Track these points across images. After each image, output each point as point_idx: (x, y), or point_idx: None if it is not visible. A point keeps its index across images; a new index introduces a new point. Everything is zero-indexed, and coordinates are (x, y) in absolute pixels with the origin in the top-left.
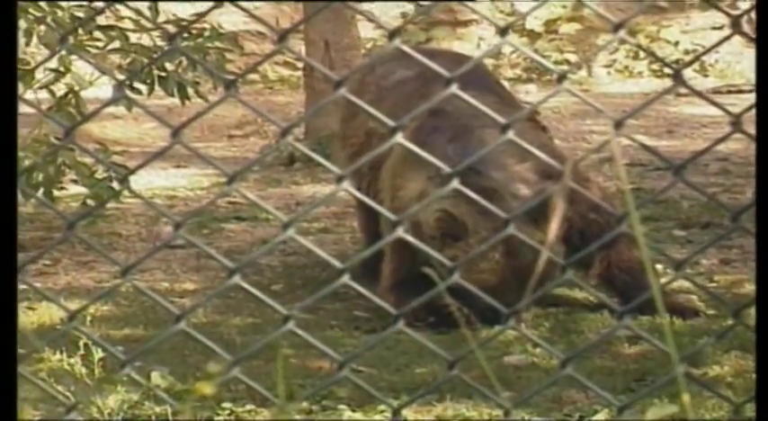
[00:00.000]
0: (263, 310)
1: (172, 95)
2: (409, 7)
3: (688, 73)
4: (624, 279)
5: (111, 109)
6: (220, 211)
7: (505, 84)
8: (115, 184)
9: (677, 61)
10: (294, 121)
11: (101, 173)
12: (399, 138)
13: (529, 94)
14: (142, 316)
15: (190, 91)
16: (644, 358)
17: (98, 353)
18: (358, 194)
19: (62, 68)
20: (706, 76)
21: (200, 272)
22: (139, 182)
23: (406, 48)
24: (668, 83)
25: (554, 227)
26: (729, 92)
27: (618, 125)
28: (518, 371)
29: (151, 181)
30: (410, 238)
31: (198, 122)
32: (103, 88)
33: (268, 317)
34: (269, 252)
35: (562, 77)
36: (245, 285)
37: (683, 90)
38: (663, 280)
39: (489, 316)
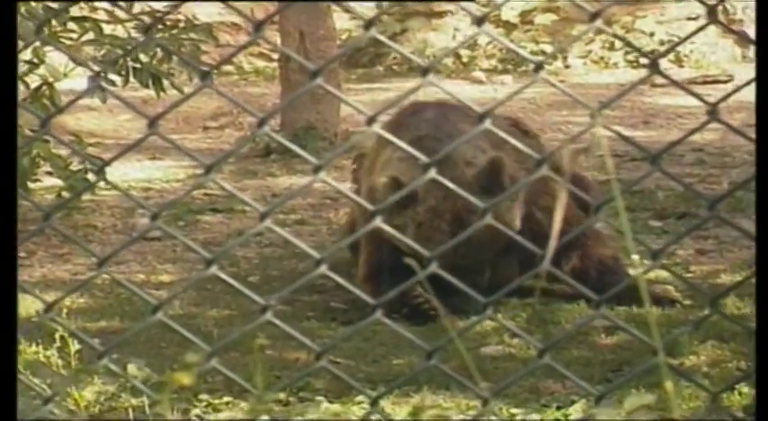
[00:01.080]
0: (239, 302)
1: (147, 87)
2: None
3: (663, 64)
4: (597, 272)
5: (85, 101)
6: (196, 203)
7: (481, 74)
8: (90, 176)
9: (652, 52)
10: (270, 112)
11: (76, 165)
12: (375, 127)
13: (504, 84)
14: (118, 307)
15: (165, 82)
16: (621, 348)
17: (74, 346)
18: (335, 183)
19: (36, 60)
20: (681, 66)
21: (176, 263)
22: (115, 174)
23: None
24: (644, 73)
25: (558, 218)
26: (705, 82)
27: (595, 115)
28: (495, 361)
29: (126, 173)
30: (387, 227)
31: (173, 114)
32: (78, 80)
33: (245, 308)
34: (245, 243)
35: (539, 67)
36: (223, 276)
37: (658, 81)
38: (640, 270)
39: (462, 306)
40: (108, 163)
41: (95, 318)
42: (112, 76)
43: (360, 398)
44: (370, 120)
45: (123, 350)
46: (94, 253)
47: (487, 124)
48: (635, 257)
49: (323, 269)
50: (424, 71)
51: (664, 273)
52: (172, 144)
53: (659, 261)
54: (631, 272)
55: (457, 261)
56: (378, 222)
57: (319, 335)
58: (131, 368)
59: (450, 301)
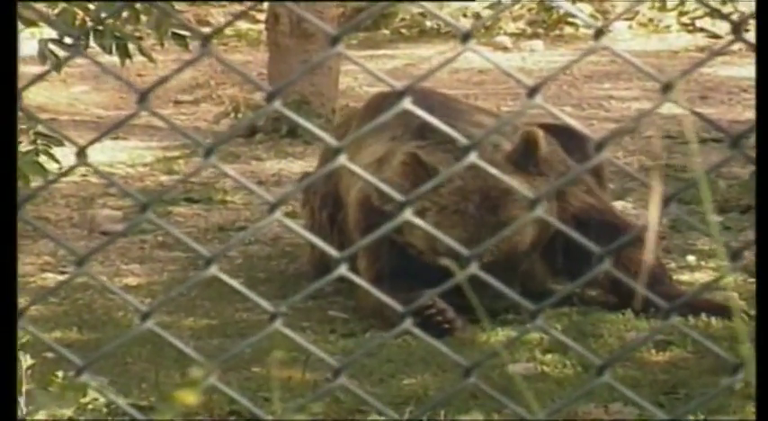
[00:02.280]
0: (219, 310)
1: (109, 53)
2: None
3: (723, 29)
4: (637, 278)
5: (35, 69)
6: (154, 193)
7: (506, 39)
8: (42, 159)
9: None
10: (282, 84)
11: (25, 145)
12: (407, 103)
13: (534, 52)
14: (75, 316)
15: (131, 47)
16: (675, 367)
17: (27, 361)
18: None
19: None
20: (747, 30)
21: (145, 263)
22: (70, 157)
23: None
24: (705, 40)
25: (655, 210)
26: None
27: (667, 88)
28: (526, 381)
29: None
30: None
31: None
32: (27, 44)
33: (227, 317)
34: (252, 238)
35: (600, 33)
36: (224, 277)
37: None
38: (697, 274)
39: (485, 314)
40: (90, 143)
41: (49, 328)
42: (68, 40)
43: None
44: (401, 94)
45: (75, 368)
46: (74, 250)
47: (539, 100)
48: (690, 259)
49: (342, 270)
50: (465, 36)
51: (724, 279)
52: (166, 122)
53: (739, 262)
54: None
55: (487, 259)
56: (408, 215)
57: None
58: (90, 389)
59: (467, 308)
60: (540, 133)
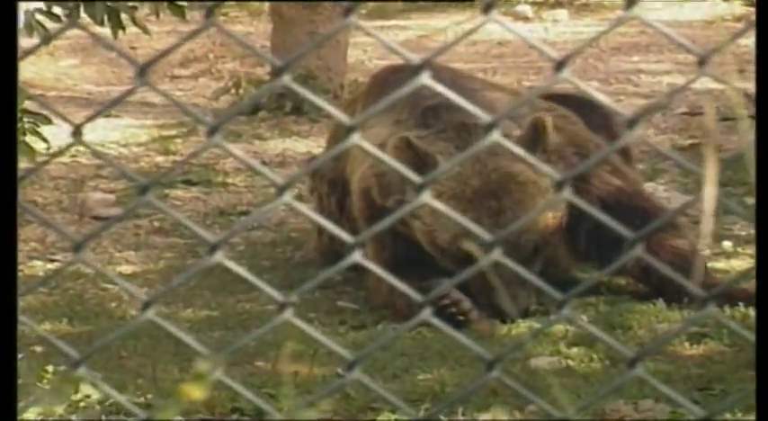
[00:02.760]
0: (220, 301)
1: (101, 24)
2: None
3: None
4: (670, 266)
5: (21, 41)
6: (155, 174)
7: (527, 9)
8: (29, 138)
9: None
10: (293, 57)
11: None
12: (425, 77)
13: (558, 22)
14: (66, 307)
15: (123, 18)
16: (710, 361)
17: None
18: (370, 147)
19: None
20: None
21: (140, 250)
22: (60, 136)
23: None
24: (743, 8)
25: (710, 192)
26: None
27: (703, 61)
28: (550, 376)
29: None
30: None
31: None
32: None
33: (227, 309)
34: (255, 223)
35: (631, 1)
36: (230, 264)
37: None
38: (733, 261)
39: (500, 310)
40: (86, 122)
41: (38, 320)
42: (57, 10)
43: None
44: (419, 69)
45: (70, 361)
46: (69, 235)
47: (567, 74)
48: (726, 245)
49: (357, 257)
50: (487, 6)
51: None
52: (170, 99)
53: None
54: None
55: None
56: (427, 198)
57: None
58: (84, 384)
59: (483, 300)
60: (550, 120)
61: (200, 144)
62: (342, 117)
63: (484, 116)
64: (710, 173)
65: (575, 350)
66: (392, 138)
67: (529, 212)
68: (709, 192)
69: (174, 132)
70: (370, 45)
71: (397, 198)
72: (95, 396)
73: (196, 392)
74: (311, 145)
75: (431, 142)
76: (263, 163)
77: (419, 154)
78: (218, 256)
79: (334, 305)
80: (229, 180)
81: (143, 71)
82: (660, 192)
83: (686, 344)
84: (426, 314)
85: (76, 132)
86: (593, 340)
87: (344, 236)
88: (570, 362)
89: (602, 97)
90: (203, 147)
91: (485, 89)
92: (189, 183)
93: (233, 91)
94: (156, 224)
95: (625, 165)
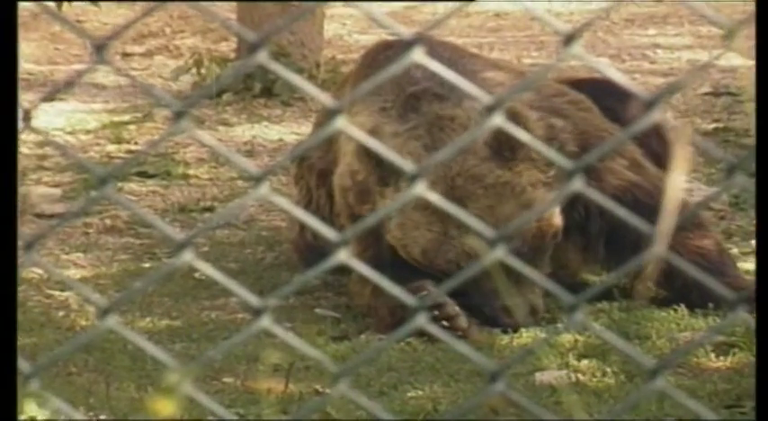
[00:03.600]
0: (182, 309)
1: None
2: None
3: None
4: (695, 267)
5: None
6: (116, 164)
7: None
8: None
9: None
10: (269, 31)
11: None
12: (418, 53)
13: None
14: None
15: None
16: (739, 375)
17: None
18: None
19: None
20: None
21: (90, 252)
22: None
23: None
24: None
25: (678, 178)
26: None
27: (728, 35)
28: (556, 393)
29: None
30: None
31: (77, 35)
32: None
33: (190, 318)
34: (229, 219)
35: None
36: (203, 265)
37: None
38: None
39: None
40: (37, 105)
41: None
42: None
43: None
44: (411, 45)
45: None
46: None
47: (577, 49)
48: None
49: (343, 256)
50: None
51: None
52: (132, 79)
53: None
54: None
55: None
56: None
57: (302, 353)
58: (29, 404)
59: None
60: (525, 114)
61: (156, 131)
62: (324, 99)
63: (485, 98)
64: (682, 155)
65: (585, 362)
66: (353, 147)
67: (500, 219)
68: (679, 173)
69: (126, 118)
70: (350, 17)
71: (370, 207)
72: (41, 417)
73: (166, 408)
74: (284, 131)
75: (403, 142)
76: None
77: (381, 163)
78: (188, 256)
79: (311, 313)
80: (191, 172)
81: (101, 48)
82: (681, 183)
83: (712, 355)
84: (422, 320)
85: (26, 118)
86: (606, 351)
87: (328, 232)
88: (580, 377)
89: (618, 75)
90: (167, 133)
91: (486, 69)
92: (144, 175)
93: (194, 70)
94: (108, 222)
95: (658, 157)
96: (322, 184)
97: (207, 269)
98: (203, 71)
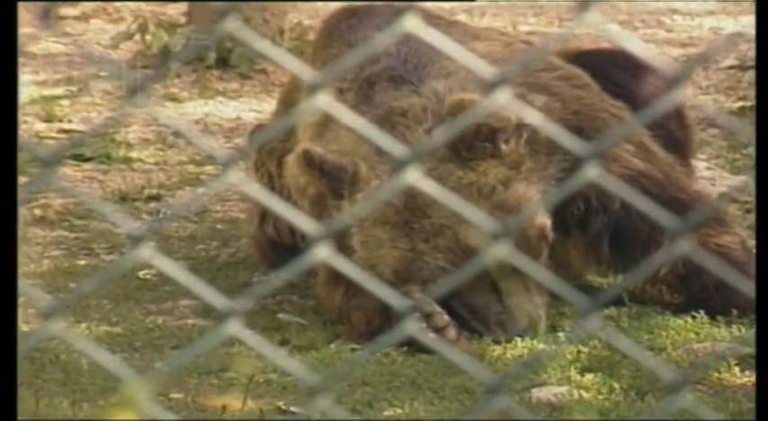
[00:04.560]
0: (123, 313)
1: None
2: None
3: None
4: (718, 267)
5: None
6: (48, 146)
7: None
8: None
9: None
10: None
11: None
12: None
13: None
14: None
15: None
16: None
17: None
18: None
19: None
20: None
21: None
22: None
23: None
24: None
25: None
26: None
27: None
28: (556, 412)
29: None
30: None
31: None
32: None
33: (133, 323)
34: (166, 211)
35: None
36: (165, 263)
37: None
38: None
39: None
40: None
41: None
42: None
43: None
44: (400, 12)
45: None
46: None
47: (595, 17)
48: None
49: (324, 252)
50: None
51: None
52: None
53: None
54: None
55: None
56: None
57: (263, 365)
58: None
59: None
60: (474, 100)
61: (93, 108)
62: (305, 72)
63: (488, 71)
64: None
65: (590, 377)
66: (295, 150)
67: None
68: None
69: (59, 92)
70: None
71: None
72: None
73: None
74: (242, 108)
75: (356, 143)
76: (177, 133)
77: (329, 169)
78: (147, 252)
79: (273, 319)
80: (134, 154)
81: (46, 13)
82: (701, 170)
83: (736, 369)
84: (411, 327)
85: None
86: (613, 364)
87: (307, 225)
88: (584, 393)
89: (639, 46)
90: (120, 112)
91: (471, 39)
92: (80, 158)
93: (137, 37)
94: (38, 212)
95: (679, 144)
96: (284, 171)
97: (168, 267)
98: (148, 38)
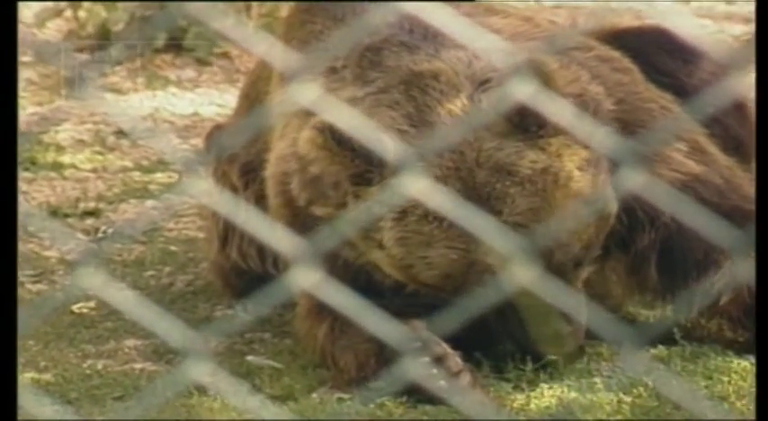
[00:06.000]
0: (55, 356)
1: None
2: None
3: None
4: None
5: None
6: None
7: None
8: None
9: None
10: None
11: None
12: None
13: None
14: None
15: None
16: None
17: None
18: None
19: None
20: None
21: None
22: None
23: None
24: None
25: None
26: None
27: None
28: None
29: None
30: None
31: None
32: None
33: (67, 368)
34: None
35: None
36: (108, 294)
37: None
38: None
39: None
40: None
41: None
42: None
43: None
44: None
45: None
46: None
47: None
48: None
49: (306, 279)
50: None
51: None
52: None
53: None
54: None
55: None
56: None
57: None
58: None
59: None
60: (553, 65)
61: (27, 100)
62: (286, 57)
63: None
64: None
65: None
66: (307, 126)
67: (543, 221)
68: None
69: None
70: None
71: (330, 209)
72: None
73: None
74: (199, 101)
75: (369, 110)
76: (119, 131)
77: (348, 148)
78: (84, 281)
79: (241, 362)
80: (65, 159)
81: None
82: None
83: None
84: (416, 371)
85: None
86: (662, 418)
87: (284, 244)
88: None
89: (690, 23)
90: (48, 108)
91: (484, 12)
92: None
93: (68, 13)
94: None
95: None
96: (250, 183)
97: (112, 298)
98: (82, 14)
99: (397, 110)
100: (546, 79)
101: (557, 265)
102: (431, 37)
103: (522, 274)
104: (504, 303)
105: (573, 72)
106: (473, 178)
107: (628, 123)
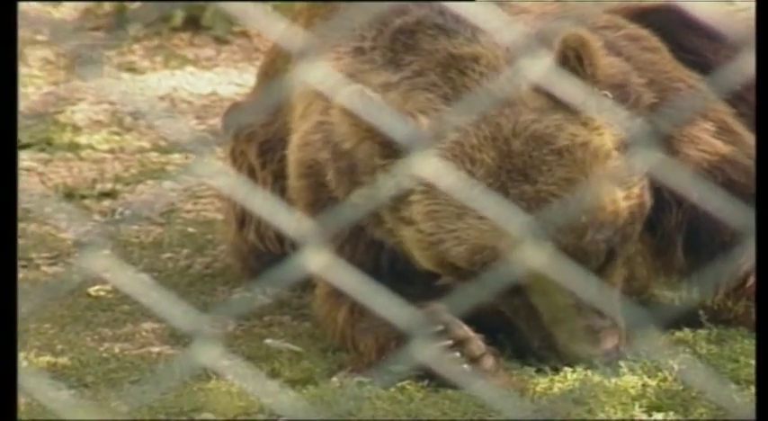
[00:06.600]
0: (72, 340)
1: None
2: None
3: None
4: None
5: None
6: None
7: None
8: None
9: None
10: None
11: None
12: None
13: None
14: None
15: None
16: None
17: None
18: None
19: None
20: None
21: None
22: None
23: None
24: None
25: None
26: None
27: None
28: None
29: None
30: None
31: None
32: None
33: (84, 352)
34: (126, 211)
35: None
36: (124, 277)
37: None
38: None
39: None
40: None
41: None
42: None
43: None
44: None
45: None
46: None
47: None
48: None
49: (316, 263)
50: None
51: None
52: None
53: None
54: None
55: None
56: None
57: (246, 403)
58: None
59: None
60: (591, 39)
61: (30, 80)
62: (285, 35)
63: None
64: None
65: (659, 417)
66: (342, 91)
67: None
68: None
69: None
70: None
71: (361, 189)
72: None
73: None
74: (218, 81)
75: (405, 95)
76: (135, 111)
77: (379, 118)
78: (100, 263)
79: (260, 345)
80: (82, 140)
81: None
82: None
83: None
84: (434, 355)
85: None
86: (688, 401)
87: (302, 225)
88: None
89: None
90: (64, 87)
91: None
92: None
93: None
94: None
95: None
96: (268, 162)
97: (128, 281)
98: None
99: (434, 91)
100: (588, 57)
101: (589, 250)
102: (463, 19)
103: (538, 254)
104: (526, 306)
105: (615, 63)
106: (509, 147)
107: (657, 104)
